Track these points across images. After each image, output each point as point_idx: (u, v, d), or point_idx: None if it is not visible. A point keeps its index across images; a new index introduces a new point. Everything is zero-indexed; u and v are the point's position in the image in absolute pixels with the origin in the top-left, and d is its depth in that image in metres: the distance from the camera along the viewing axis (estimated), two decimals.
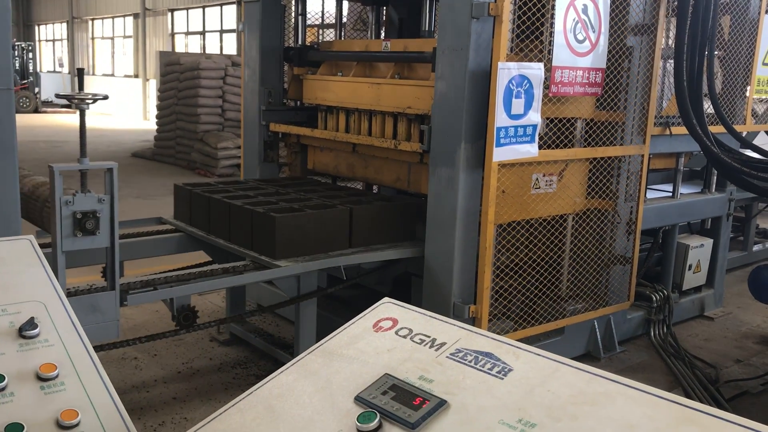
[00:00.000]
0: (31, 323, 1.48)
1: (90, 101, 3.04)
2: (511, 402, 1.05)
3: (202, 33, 22.72)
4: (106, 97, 3.08)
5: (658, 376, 4.85)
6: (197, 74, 13.39)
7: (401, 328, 1.29)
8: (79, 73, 3.05)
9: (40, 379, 1.38)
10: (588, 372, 1.08)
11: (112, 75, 28.05)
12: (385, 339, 1.27)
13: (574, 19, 4.19)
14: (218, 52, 21.03)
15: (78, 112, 3.03)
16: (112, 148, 16.34)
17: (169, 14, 23.93)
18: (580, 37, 4.25)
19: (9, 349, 1.43)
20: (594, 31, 4.33)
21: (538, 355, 1.14)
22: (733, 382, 4.78)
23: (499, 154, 3.98)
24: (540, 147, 4.18)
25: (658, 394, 1.00)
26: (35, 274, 1.65)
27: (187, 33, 23.51)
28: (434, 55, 4.12)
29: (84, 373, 1.42)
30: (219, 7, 21.62)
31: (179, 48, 23.60)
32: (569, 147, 4.57)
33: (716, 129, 5.02)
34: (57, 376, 1.39)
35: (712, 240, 6.06)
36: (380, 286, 4.91)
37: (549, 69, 4.15)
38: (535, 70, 4.03)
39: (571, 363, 1.11)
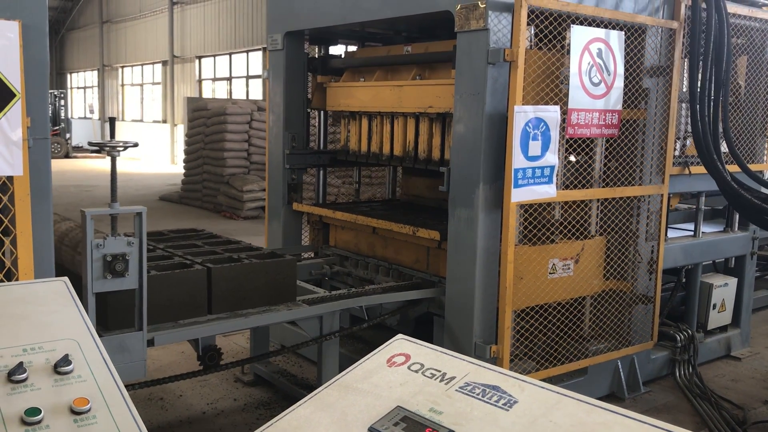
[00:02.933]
0: (65, 360, 1.57)
1: (121, 149, 3.18)
2: (515, 431, 1.11)
3: (229, 79, 23.24)
4: (136, 145, 3.22)
5: (684, 416, 4.80)
6: (224, 119, 13.70)
7: (413, 363, 1.35)
8: (111, 122, 3.20)
9: (74, 412, 1.46)
10: (589, 404, 1.13)
11: (141, 120, 28.73)
12: (398, 373, 1.33)
13: (589, 63, 4.29)
14: (244, 97, 21.49)
15: (110, 159, 3.16)
16: (141, 192, 16.67)
17: (197, 61, 24.56)
18: (595, 80, 4.34)
19: (45, 384, 1.52)
20: (609, 74, 4.42)
21: (542, 387, 1.20)
22: (762, 423, 4.72)
23: (518, 194, 4.05)
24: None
25: (654, 424, 1.06)
26: (69, 314, 1.74)
27: (214, 79, 24.08)
28: (454, 53, 4.20)
29: (114, 407, 1.50)
30: (245, 54, 22.15)
31: (206, 93, 24.16)
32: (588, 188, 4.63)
33: (733, 168, 5.05)
34: (89, 410, 1.47)
35: (736, 279, 6.03)
36: (402, 327, 4.95)
37: (565, 111, 4.23)
38: (551, 112, 4.12)
39: (574, 395, 1.17)
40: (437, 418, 1.18)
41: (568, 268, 4.61)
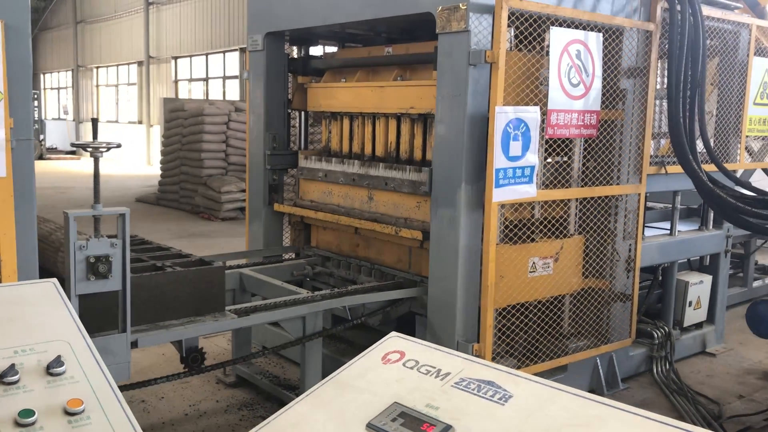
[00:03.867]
0: (57, 361, 1.57)
1: (104, 149, 3.17)
2: (511, 426, 1.13)
3: (205, 79, 23.10)
4: (119, 146, 3.20)
5: (662, 412, 4.84)
6: (201, 120, 13.63)
7: (408, 360, 1.37)
8: (94, 123, 3.19)
9: (68, 413, 1.46)
10: (583, 397, 1.16)
11: (116, 121, 28.44)
12: (393, 370, 1.35)
13: (568, 64, 4.35)
14: (221, 98, 21.38)
15: (93, 160, 3.15)
16: (117, 194, 16.50)
17: (173, 62, 24.37)
18: (574, 81, 4.40)
19: (38, 385, 1.52)
20: (587, 75, 4.48)
21: (537, 382, 1.23)
22: (736, 417, 4.81)
23: (499, 194, 4.09)
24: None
25: (645, 415, 1.09)
26: (59, 316, 1.74)
27: (191, 79, 23.91)
28: (435, 55, 4.23)
29: (108, 407, 1.51)
30: (222, 55, 22.03)
31: (182, 94, 23.98)
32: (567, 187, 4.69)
33: (709, 168, 5.14)
34: (83, 411, 1.47)
35: (711, 276, 6.14)
36: (384, 326, 4.97)
37: (545, 112, 4.28)
38: (531, 113, 4.17)
39: (568, 389, 1.20)
40: (434, 414, 1.20)
41: (548, 267, 4.67)
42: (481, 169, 4.12)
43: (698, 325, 6.17)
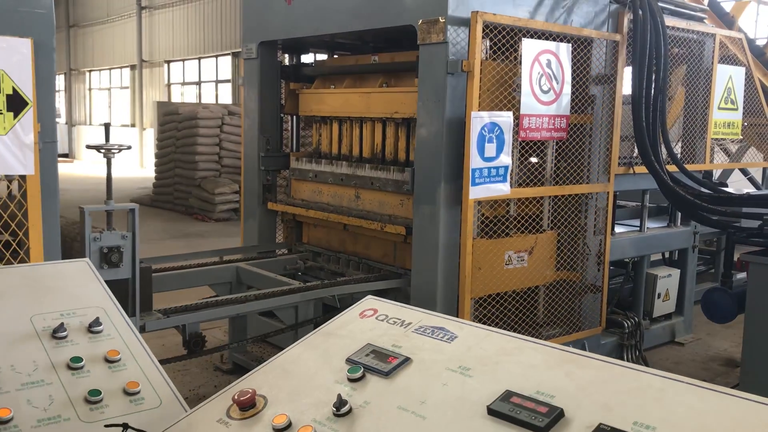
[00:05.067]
0: (97, 322, 1.92)
1: (116, 151, 3.52)
2: (454, 357, 1.50)
3: (198, 83, 23.41)
4: (129, 147, 3.56)
5: None
6: (195, 123, 13.96)
7: (380, 315, 1.74)
8: (106, 127, 3.54)
9: (107, 361, 1.82)
10: (508, 335, 1.53)
11: (109, 124, 28.64)
12: (368, 322, 1.72)
13: (539, 72, 4.73)
14: (213, 102, 21.70)
15: (106, 161, 3.50)
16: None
17: (166, 65, 24.67)
18: (545, 88, 4.78)
19: (82, 340, 1.87)
20: (558, 83, 4.86)
21: (477, 327, 1.60)
22: None
23: (475, 192, 4.46)
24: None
25: (551, 346, 1.46)
26: (93, 287, 2.10)
27: (183, 83, 24.21)
28: (418, 63, 4.59)
29: (139, 357, 1.87)
30: (215, 59, 22.35)
31: (175, 98, 24.28)
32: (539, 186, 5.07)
33: (674, 169, 5.53)
34: (120, 359, 1.83)
35: (679, 270, 6.53)
36: None
37: (518, 116, 4.66)
38: (504, 117, 4.54)
39: (501, 332, 1.57)
40: (398, 350, 1.57)
41: (523, 260, 5.04)
42: (458, 169, 4.49)
43: (667, 316, 6.56)
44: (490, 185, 4.53)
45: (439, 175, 4.48)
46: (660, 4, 5.58)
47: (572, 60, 4.96)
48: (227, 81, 21.79)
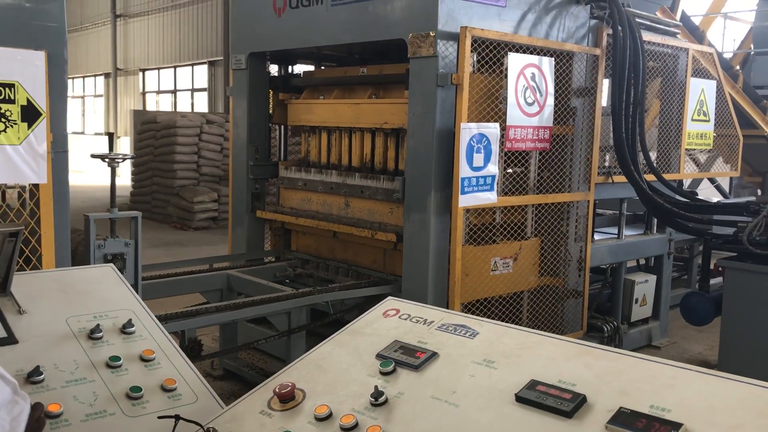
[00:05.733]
0: (129, 323, 2.02)
1: (120, 160, 3.61)
2: (478, 351, 1.64)
3: (173, 92, 23.35)
4: (133, 157, 3.64)
5: None
6: (173, 132, 13.96)
7: (402, 314, 1.87)
8: (110, 137, 3.62)
9: (143, 360, 1.92)
10: (526, 331, 1.67)
11: (83, 133, 28.41)
12: (392, 321, 1.85)
13: (524, 85, 4.90)
14: (189, 110, 21.66)
15: (110, 169, 3.58)
16: (88, 204, 16.67)
17: (141, 74, 24.57)
18: (529, 100, 4.96)
19: (116, 340, 1.98)
20: (541, 95, 5.05)
21: (496, 324, 1.74)
22: None
23: (464, 200, 4.62)
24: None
25: (569, 340, 1.60)
26: (121, 291, 2.20)
27: (158, 92, 24.13)
28: (407, 75, 4.74)
29: (171, 356, 1.97)
30: (190, 67, 22.32)
31: (150, 106, 24.18)
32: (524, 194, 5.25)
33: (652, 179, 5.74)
34: (155, 358, 1.94)
35: (655, 276, 6.75)
36: None
37: (504, 128, 4.83)
38: (492, 129, 4.71)
39: (519, 328, 1.71)
40: (424, 346, 1.70)
41: (508, 266, 5.20)
42: (448, 178, 4.64)
43: (644, 321, 6.77)
44: (478, 194, 4.69)
45: (430, 184, 4.63)
46: (636, 19, 5.80)
47: (554, 73, 5.15)
48: (203, 89, 21.77)
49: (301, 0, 5.43)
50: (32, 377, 1.73)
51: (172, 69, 23.16)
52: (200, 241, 12.42)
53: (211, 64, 20.90)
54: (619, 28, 5.38)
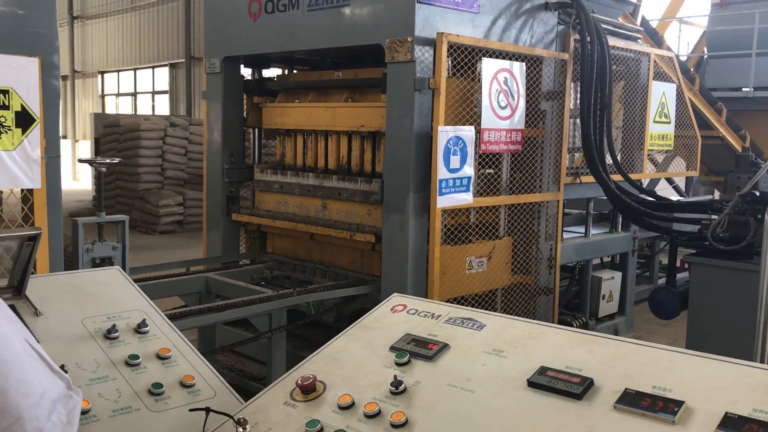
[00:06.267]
0: (143, 323, 2.09)
1: (107, 164, 3.64)
2: (487, 341, 1.75)
3: (134, 94, 23.07)
4: (120, 162, 3.68)
5: None
6: (137, 135, 13.85)
7: (410, 309, 1.98)
8: (97, 142, 3.66)
9: (160, 358, 1.99)
10: (531, 322, 1.79)
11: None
12: (401, 316, 1.95)
13: (497, 89, 5.06)
14: (150, 113, 21.44)
15: (97, 174, 3.61)
16: None
17: (99, 76, 24.21)
18: (502, 103, 5.11)
19: (132, 340, 2.04)
20: (513, 98, 5.21)
21: (501, 317, 1.85)
22: None
23: (442, 201, 4.75)
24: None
25: (570, 330, 1.73)
26: (131, 293, 2.26)
27: (118, 94, 23.81)
28: (384, 80, 4.84)
29: (186, 354, 2.05)
30: (151, 69, 22.08)
31: (110, 109, 23.84)
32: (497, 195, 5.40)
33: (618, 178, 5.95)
34: (171, 356, 2.01)
35: (621, 273, 6.98)
36: (337, 323, 5.53)
37: (479, 130, 4.97)
38: (467, 131, 4.85)
39: (521, 319, 1.83)
40: (435, 338, 1.81)
41: (483, 265, 5.35)
42: (426, 179, 4.76)
43: (611, 316, 6.99)
44: (455, 195, 4.82)
45: (408, 186, 4.74)
46: (602, 25, 6.01)
47: (525, 77, 5.32)
48: (164, 92, 21.56)
49: (277, 5, 5.50)
50: None
51: (132, 71, 22.88)
52: (166, 245, 12.34)
53: (173, 66, 20.72)
54: (587, 33, 5.58)
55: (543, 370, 1.58)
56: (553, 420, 1.44)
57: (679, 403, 1.38)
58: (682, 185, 11.25)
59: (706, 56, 13.83)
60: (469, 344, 1.75)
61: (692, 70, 14.13)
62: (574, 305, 6.68)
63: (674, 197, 8.87)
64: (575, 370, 1.55)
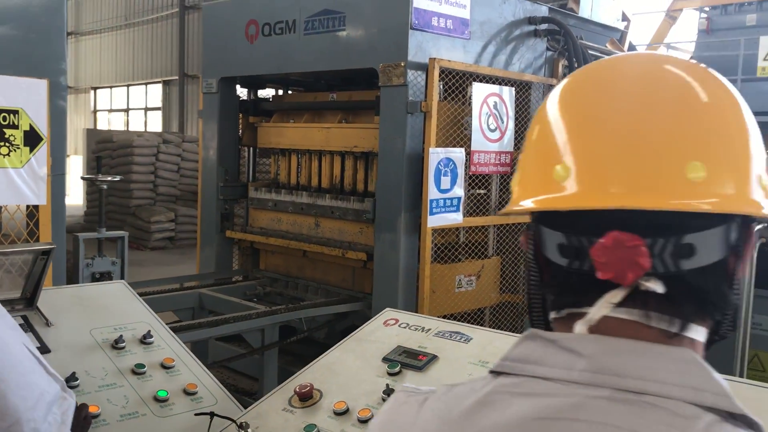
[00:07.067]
0: (148, 334, 2.20)
1: (108, 182, 3.76)
2: (473, 353, 1.88)
3: (126, 110, 23.19)
4: (121, 179, 3.80)
5: None
6: (130, 151, 13.95)
7: (402, 323, 2.10)
8: (98, 160, 3.78)
9: (164, 367, 2.11)
10: (514, 335, 1.92)
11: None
12: (393, 329, 2.08)
13: (486, 113, 5.21)
14: (143, 129, 21.55)
15: (99, 190, 3.73)
16: None
17: (92, 92, 24.33)
18: (492, 126, 5.27)
19: (138, 350, 2.15)
20: (503, 122, 5.37)
21: (486, 330, 1.98)
22: None
23: (432, 221, 4.88)
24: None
25: None
26: (136, 306, 2.37)
27: (110, 110, 23.92)
28: (377, 102, 4.99)
29: (189, 364, 2.16)
30: (144, 86, 22.23)
31: (102, 125, 23.94)
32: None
33: None
34: (175, 366, 2.12)
35: None
36: (329, 339, 5.64)
37: (469, 152, 5.12)
38: (458, 153, 5.00)
39: (505, 333, 1.96)
40: (425, 350, 1.93)
41: (472, 283, 5.48)
42: (417, 199, 4.90)
43: None
44: (445, 214, 4.96)
45: (400, 205, 4.87)
46: (589, 51, 6.20)
47: (515, 101, 5.48)
48: (157, 108, 21.69)
49: (274, 28, 5.66)
50: (69, 382, 1.90)
51: (125, 87, 23.02)
52: (158, 261, 12.41)
53: (166, 83, 20.87)
54: (574, 59, 5.76)
55: None
56: None
57: None
58: None
59: None
60: (456, 356, 1.88)
61: None
62: None
63: None
64: None
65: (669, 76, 0.87)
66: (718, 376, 0.78)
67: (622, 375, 0.77)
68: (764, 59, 12.16)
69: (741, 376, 3.90)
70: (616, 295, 0.82)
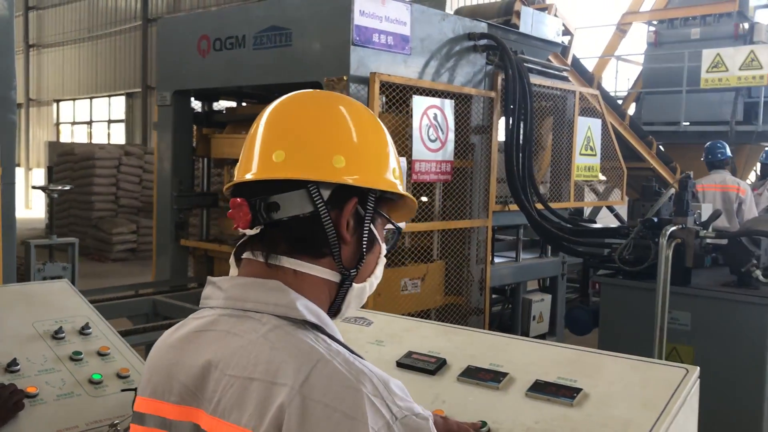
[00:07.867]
0: (86, 326, 2.42)
1: (59, 190, 3.96)
2: (372, 335, 2.13)
3: (89, 123, 23.15)
4: (71, 188, 4.00)
5: None
6: (92, 164, 14.02)
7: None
8: (49, 170, 3.97)
9: (100, 354, 2.33)
10: (410, 319, 2.19)
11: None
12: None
13: (427, 124, 5.50)
14: (106, 141, 21.54)
15: (49, 199, 3.93)
16: None
17: (55, 105, 24.24)
18: (432, 137, 5.56)
19: (76, 340, 2.37)
20: (443, 132, 5.66)
21: (387, 315, 2.24)
22: None
23: None
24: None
25: (439, 324, 2.13)
26: (78, 302, 2.59)
27: (73, 123, 23.85)
28: None
29: (123, 352, 2.39)
30: (107, 98, 22.23)
31: (65, 137, 23.85)
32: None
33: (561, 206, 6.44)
34: (110, 354, 2.34)
35: (551, 295, 7.45)
36: None
37: (411, 162, 5.40)
38: (400, 162, 5.26)
39: (403, 317, 2.22)
40: (435, 354, 2.17)
41: (417, 286, 5.75)
42: None
43: (542, 336, 7.43)
44: None
45: None
46: (528, 65, 6.54)
47: (455, 113, 5.78)
48: (120, 121, 21.71)
49: (225, 43, 5.90)
50: (11, 367, 2.11)
51: (88, 100, 22.99)
52: (120, 272, 12.48)
53: (129, 95, 20.92)
54: (510, 73, 6.08)
55: (409, 354, 1.97)
56: (410, 391, 1.83)
57: (504, 374, 1.78)
58: (623, 213, 11.88)
59: (642, 92, 14.65)
60: (356, 337, 2.14)
61: (632, 104, 14.97)
62: (508, 326, 7.10)
63: (615, 224, 9.45)
64: (434, 353, 1.95)
65: (294, 103, 1.40)
66: (295, 296, 1.19)
67: (239, 299, 1.22)
68: (707, 71, 12.69)
69: None
70: (240, 242, 1.26)
